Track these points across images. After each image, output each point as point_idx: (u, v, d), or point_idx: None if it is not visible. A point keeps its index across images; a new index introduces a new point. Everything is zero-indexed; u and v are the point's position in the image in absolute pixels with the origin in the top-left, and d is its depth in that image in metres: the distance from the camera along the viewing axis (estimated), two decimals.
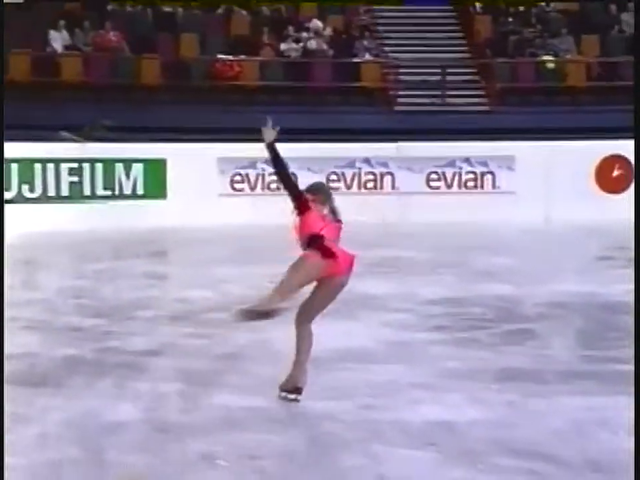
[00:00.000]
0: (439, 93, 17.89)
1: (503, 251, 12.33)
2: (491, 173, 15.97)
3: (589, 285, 9.63)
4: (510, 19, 19.58)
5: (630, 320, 7.15)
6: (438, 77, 17.95)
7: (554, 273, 10.40)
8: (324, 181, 15.67)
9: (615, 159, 16.04)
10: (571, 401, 5.68)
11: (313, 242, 5.80)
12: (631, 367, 6.42)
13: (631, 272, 10.74)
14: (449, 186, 15.90)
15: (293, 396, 5.68)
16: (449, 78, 18.02)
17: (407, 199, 15.40)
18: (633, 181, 15.82)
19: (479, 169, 15.97)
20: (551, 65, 18.56)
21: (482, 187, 16.00)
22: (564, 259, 11.73)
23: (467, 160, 16.00)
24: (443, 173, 15.89)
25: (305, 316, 5.79)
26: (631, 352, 5.41)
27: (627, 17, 19.66)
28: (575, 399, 5.72)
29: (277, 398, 5.68)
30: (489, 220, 14.57)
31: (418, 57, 18.36)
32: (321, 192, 6.00)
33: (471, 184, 15.99)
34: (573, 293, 9.17)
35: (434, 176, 15.96)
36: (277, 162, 5.98)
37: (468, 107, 17.78)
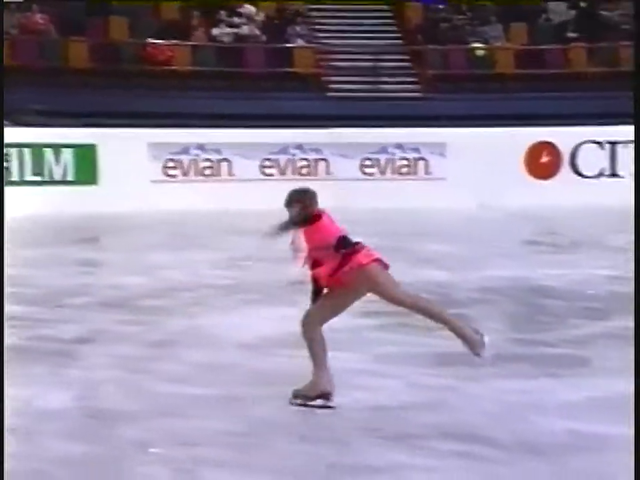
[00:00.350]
0: (371, 79, 17.97)
1: (437, 237, 12.45)
2: (423, 159, 16.12)
3: (519, 270, 9.78)
4: (440, 6, 19.72)
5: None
6: (370, 63, 18.03)
7: (486, 259, 10.55)
8: (257, 166, 15.68)
9: (543, 145, 16.31)
10: (503, 384, 5.76)
11: (347, 244, 5.49)
12: (556, 350, 6.58)
13: (563, 257, 10.98)
14: (382, 172, 16.02)
15: (320, 402, 5.29)
16: (381, 64, 18.10)
17: (341, 185, 15.47)
18: (560, 166, 16.10)
19: (411, 155, 16.10)
20: (480, 52, 18.76)
21: (415, 173, 16.16)
22: (495, 244, 11.89)
23: (400, 146, 16.13)
24: (377, 159, 16.00)
25: (320, 320, 5.51)
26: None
27: (554, 6, 19.95)
28: (507, 382, 5.81)
29: (291, 405, 5.35)
30: (422, 206, 14.73)
31: (350, 43, 18.41)
32: (315, 198, 5.68)
33: (403, 170, 16.12)
34: (504, 278, 9.31)
35: (367, 162, 16.06)
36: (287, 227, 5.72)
37: (400, 94, 17.89)
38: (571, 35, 19.20)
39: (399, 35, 19.14)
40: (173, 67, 17.57)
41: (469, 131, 15.87)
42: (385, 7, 19.56)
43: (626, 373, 5.87)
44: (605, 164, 16.30)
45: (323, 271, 5.51)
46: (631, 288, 8.80)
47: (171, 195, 14.70)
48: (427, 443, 4.74)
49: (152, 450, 4.70)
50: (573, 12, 19.72)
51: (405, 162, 16.06)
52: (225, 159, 15.53)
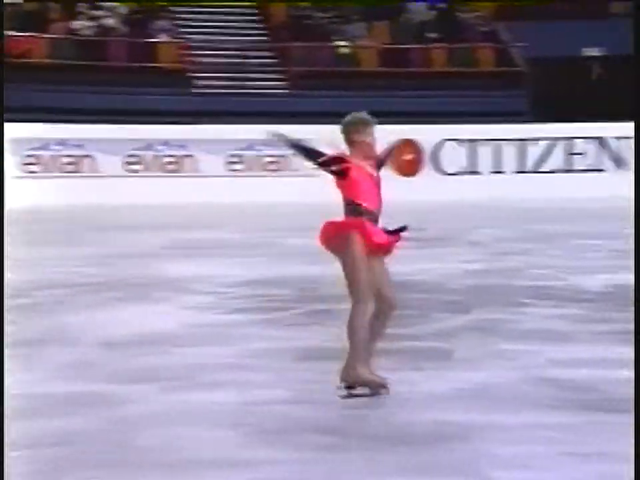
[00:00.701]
0: (237, 75, 17.95)
1: (307, 232, 12.51)
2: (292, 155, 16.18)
3: (387, 265, 9.92)
4: (304, 4, 19.87)
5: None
6: (236, 60, 18.01)
7: None
8: (121, 162, 15.44)
9: (407, 144, 16.62)
10: None
11: None
12: (421, 343, 6.72)
13: (427, 252, 11.21)
14: (250, 168, 16.02)
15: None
16: (247, 61, 18.10)
17: (208, 181, 15.40)
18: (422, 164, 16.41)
19: (279, 151, 16.16)
20: (345, 50, 18.98)
21: (283, 169, 16.22)
22: None
23: (267, 143, 16.14)
24: (243, 156, 15.99)
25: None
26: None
27: (414, 6, 20.34)
28: None
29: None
30: (291, 201, 14.79)
31: (216, 39, 18.35)
32: None
33: (271, 166, 16.16)
34: None
35: (234, 158, 16.03)
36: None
37: (267, 90, 17.93)
38: (430, 35, 19.63)
39: (264, 32, 19.18)
40: (31, 60, 17.12)
41: (336, 128, 16.01)
42: (249, 4, 19.56)
43: (487, 364, 6.06)
44: (465, 162, 16.74)
45: (383, 235, 5.17)
46: (488, 281, 9.10)
47: (31, 192, 14.34)
48: (291, 438, 4.77)
49: (14, 454, 4.58)
50: (433, 12, 20.17)
51: (272, 158, 16.10)
52: (88, 155, 15.24)
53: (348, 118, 5.24)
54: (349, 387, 5.16)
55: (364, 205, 5.18)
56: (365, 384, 5.12)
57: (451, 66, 18.86)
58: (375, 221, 5.28)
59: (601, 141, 17.03)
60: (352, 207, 5.21)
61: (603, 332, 6.87)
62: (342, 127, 5.23)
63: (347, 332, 5.10)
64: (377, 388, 5.15)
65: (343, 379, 5.13)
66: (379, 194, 5.30)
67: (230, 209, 14.17)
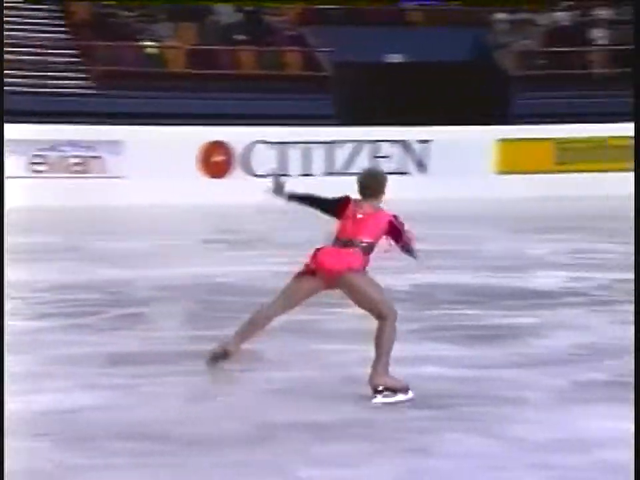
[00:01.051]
0: (39, 73, 17.42)
1: (114, 235, 12.35)
2: (98, 157, 15.88)
3: (198, 267, 9.90)
4: (107, 2, 19.49)
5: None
6: (37, 57, 17.48)
7: (164, 256, 10.61)
8: None
9: (216, 145, 16.61)
10: (177, 380, 5.79)
11: None
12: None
13: (238, 254, 11.22)
14: (54, 170, 15.60)
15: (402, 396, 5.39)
16: (49, 59, 17.60)
17: (10, 182, 14.85)
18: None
19: (85, 153, 15.82)
20: (151, 50, 18.76)
21: (90, 171, 15.88)
22: (174, 242, 11.96)
23: (72, 143, 15.76)
24: (47, 157, 15.57)
25: None
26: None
27: (221, 7, 20.28)
28: (182, 379, 5.83)
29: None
30: (98, 204, 14.50)
31: (15, 34, 17.71)
32: None
33: (77, 168, 15.80)
34: (181, 276, 9.39)
35: (37, 159, 15.57)
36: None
37: (71, 89, 17.49)
38: (238, 37, 19.67)
39: (67, 29, 18.69)
40: None
41: (145, 129, 15.85)
42: (50, 0, 19.01)
43: (297, 364, 6.13)
44: (274, 163, 16.86)
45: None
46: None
47: None
48: (100, 444, 4.68)
49: None
50: (240, 14, 20.22)
51: (79, 159, 15.75)
52: None
53: (383, 175, 5.94)
54: (376, 392, 5.35)
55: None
56: (390, 388, 5.36)
57: (259, 69, 18.97)
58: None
59: (404, 144, 17.54)
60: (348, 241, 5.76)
61: (413, 330, 7.06)
62: (384, 181, 5.91)
63: (375, 344, 5.41)
64: (401, 391, 5.39)
65: (371, 385, 5.36)
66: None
67: (34, 211, 13.75)
